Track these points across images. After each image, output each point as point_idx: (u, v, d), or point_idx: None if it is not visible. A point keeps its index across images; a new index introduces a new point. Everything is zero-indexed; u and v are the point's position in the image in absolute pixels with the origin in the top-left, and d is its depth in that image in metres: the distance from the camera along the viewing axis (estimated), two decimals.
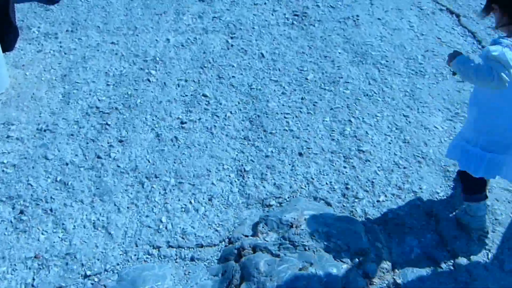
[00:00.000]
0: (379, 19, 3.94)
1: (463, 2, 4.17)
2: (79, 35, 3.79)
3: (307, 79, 3.37)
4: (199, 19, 3.96)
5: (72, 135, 2.99)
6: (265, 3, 4.17)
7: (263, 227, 2.46)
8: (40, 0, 4.23)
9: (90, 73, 3.41)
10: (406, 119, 3.08)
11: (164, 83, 3.34)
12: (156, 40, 3.72)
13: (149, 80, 3.36)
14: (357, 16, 3.96)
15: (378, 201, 2.63)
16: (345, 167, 2.81)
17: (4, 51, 3.37)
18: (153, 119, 3.09)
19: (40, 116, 3.10)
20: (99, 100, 3.21)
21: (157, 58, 3.54)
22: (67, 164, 2.82)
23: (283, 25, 3.90)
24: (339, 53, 3.59)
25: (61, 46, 3.65)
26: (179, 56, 3.57)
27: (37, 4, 4.17)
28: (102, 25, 3.89)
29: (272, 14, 4.02)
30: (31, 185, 2.71)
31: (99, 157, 2.86)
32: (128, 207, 2.62)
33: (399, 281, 2.24)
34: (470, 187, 2.36)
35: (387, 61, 3.51)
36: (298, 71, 3.43)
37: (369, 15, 3.99)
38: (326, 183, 2.73)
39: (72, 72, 3.41)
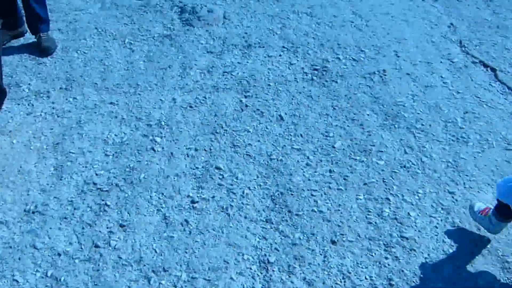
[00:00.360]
0: (408, 74, 3.63)
1: (497, 54, 3.88)
2: (74, 93, 3.46)
3: (334, 147, 3.03)
4: (208, 74, 3.65)
5: (65, 218, 2.63)
6: (280, 55, 3.87)
7: None
8: (32, 51, 3.92)
9: (86, 140, 3.07)
10: (452, 197, 2.74)
11: (171, 153, 3.00)
12: (161, 100, 3.40)
13: (153, 150, 3.02)
14: (384, 71, 3.65)
15: None
16: (386, 258, 2.45)
17: None
18: (159, 198, 2.73)
19: (28, 195, 2.74)
20: (96, 174, 2.86)
21: (163, 122, 3.21)
22: (59, 254, 2.46)
23: (302, 81, 3.59)
24: (368, 115, 3.27)
25: (53, 107, 3.32)
26: (187, 119, 3.24)
27: (28, 57, 3.86)
28: (100, 81, 3.57)
29: (289, 68, 3.72)
30: (17, 281, 2.35)
31: (97, 246, 2.50)
32: None
33: None
34: (506, 212, 2.37)
35: (422, 124, 3.19)
36: (323, 137, 3.10)
37: (397, 69, 3.68)
38: (366, 278, 2.37)
39: (66, 139, 3.07)
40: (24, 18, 3.93)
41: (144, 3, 4.73)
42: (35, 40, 3.96)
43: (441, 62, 3.79)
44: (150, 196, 2.75)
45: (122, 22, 4.40)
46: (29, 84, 3.54)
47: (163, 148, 3.04)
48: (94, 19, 4.47)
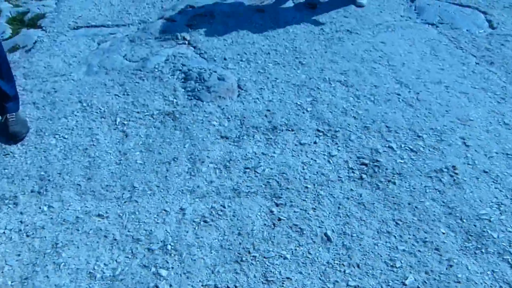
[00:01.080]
0: (485, 172, 3.09)
1: None
2: (50, 199, 2.89)
3: (405, 284, 2.45)
4: (225, 171, 3.09)
5: None
6: (315, 143, 3.33)
7: None
8: None
9: (64, 273, 2.49)
10: None
11: None
12: (165, 210, 2.83)
13: None
14: (453, 167, 3.11)
15: None
16: None
17: None
18: None
19: None
20: None
21: (169, 246, 2.63)
22: None
23: (348, 180, 3.03)
24: (443, 233, 2.70)
25: (22, 221, 2.75)
26: (202, 240, 2.66)
27: None
28: (85, 181, 3.01)
29: (329, 162, 3.17)
30: None
31: None
32: None
33: None
34: None
35: None
36: (387, 268, 2.52)
37: (470, 164, 3.14)
38: None
39: (38, 272, 2.49)
40: None
41: (140, 66, 4.24)
42: (1, 121, 3.42)
43: None
44: None
45: (113, 93, 3.89)
46: None
47: (170, 285, 2.45)
48: (78, 89, 3.96)
